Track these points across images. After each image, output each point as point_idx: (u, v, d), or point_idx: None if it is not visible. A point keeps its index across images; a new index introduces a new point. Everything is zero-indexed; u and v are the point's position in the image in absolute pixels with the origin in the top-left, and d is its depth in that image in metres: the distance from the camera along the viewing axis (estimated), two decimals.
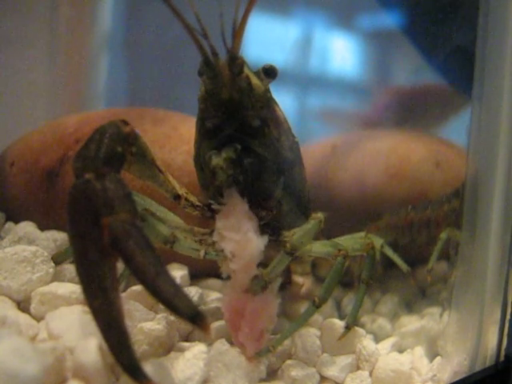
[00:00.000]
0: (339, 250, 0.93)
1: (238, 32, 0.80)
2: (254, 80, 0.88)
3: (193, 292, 1.01)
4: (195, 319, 0.62)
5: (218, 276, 0.93)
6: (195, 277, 1.13)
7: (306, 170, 1.07)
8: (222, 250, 0.84)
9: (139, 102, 1.90)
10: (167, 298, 0.63)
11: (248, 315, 0.86)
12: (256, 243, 0.83)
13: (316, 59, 2.07)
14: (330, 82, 2.13)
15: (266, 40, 1.92)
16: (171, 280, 0.65)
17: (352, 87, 2.17)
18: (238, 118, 0.87)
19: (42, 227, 1.11)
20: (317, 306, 0.92)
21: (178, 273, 1.08)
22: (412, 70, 1.97)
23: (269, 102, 0.92)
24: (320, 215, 0.95)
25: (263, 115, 0.90)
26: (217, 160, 0.85)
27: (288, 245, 0.89)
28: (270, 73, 0.91)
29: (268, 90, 0.92)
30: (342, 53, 2.09)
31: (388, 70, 2.18)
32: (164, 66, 1.97)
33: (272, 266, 0.88)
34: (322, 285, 0.94)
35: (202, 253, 0.87)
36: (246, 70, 0.86)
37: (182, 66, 1.83)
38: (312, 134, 1.90)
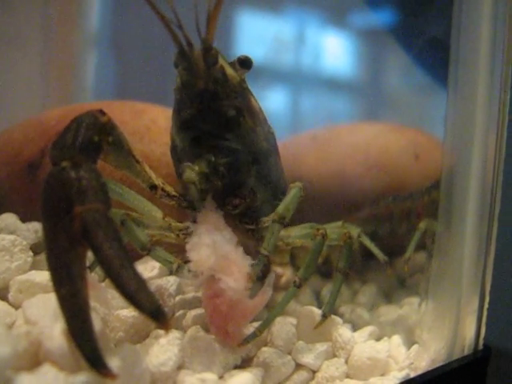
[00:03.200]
0: (318, 230, 0.95)
1: (211, 23, 0.81)
2: (229, 70, 0.90)
3: (171, 281, 1.01)
4: (155, 315, 0.63)
5: None
6: None
7: (287, 161, 1.08)
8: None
9: (126, 98, 1.91)
10: (129, 292, 0.64)
11: (247, 310, 0.87)
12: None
13: (308, 57, 2.08)
14: (321, 79, 2.14)
15: (258, 37, 1.94)
16: (136, 274, 0.65)
17: (344, 85, 2.18)
18: (214, 108, 0.88)
19: (24, 219, 1.12)
20: (297, 286, 0.93)
21: (157, 263, 1.08)
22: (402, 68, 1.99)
23: (244, 93, 0.93)
24: (298, 183, 0.96)
25: (238, 105, 0.91)
26: (189, 174, 0.87)
27: (276, 216, 0.91)
28: (244, 63, 0.92)
29: (243, 81, 0.93)
30: (334, 50, 2.10)
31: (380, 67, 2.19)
32: (151, 62, 1.97)
33: (267, 239, 0.90)
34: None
35: (175, 266, 0.87)
36: (221, 61, 0.88)
37: (169, 62, 1.84)
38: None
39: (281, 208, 0.91)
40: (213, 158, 0.88)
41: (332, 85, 2.14)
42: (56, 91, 1.95)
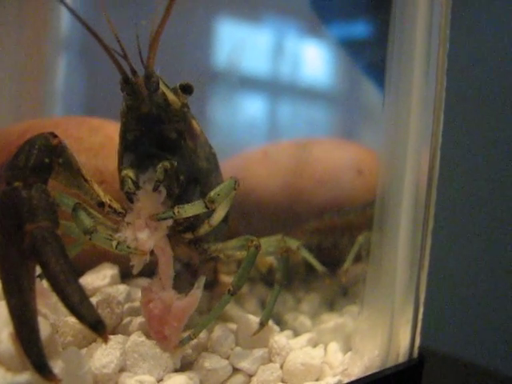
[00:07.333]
0: (252, 241, 1.00)
1: (151, 51, 0.88)
2: (171, 96, 0.96)
3: (121, 289, 1.06)
4: (96, 327, 0.70)
5: (148, 275, 1.00)
6: (126, 276, 1.18)
7: (238, 174, 1.14)
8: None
9: (96, 105, 1.95)
10: (73, 304, 0.70)
11: (179, 311, 0.93)
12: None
13: (285, 66, 2.12)
14: (299, 89, 2.18)
15: (237, 47, 1.98)
16: (79, 289, 0.71)
17: (322, 95, 2.22)
18: (156, 131, 0.95)
19: None
20: (232, 293, 0.98)
21: (109, 272, 1.13)
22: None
23: (185, 117, 0.99)
24: (235, 178, 0.99)
25: (179, 128, 0.98)
26: (126, 171, 0.94)
27: (206, 199, 0.94)
28: (186, 89, 0.99)
29: (185, 105, 1.00)
30: (311, 61, 2.14)
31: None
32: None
33: (187, 207, 0.93)
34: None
35: (114, 243, 0.89)
36: (162, 87, 0.95)
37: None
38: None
39: (212, 193, 0.94)
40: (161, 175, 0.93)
41: (308, 95, 2.17)
42: (26, 95, 1.97)
